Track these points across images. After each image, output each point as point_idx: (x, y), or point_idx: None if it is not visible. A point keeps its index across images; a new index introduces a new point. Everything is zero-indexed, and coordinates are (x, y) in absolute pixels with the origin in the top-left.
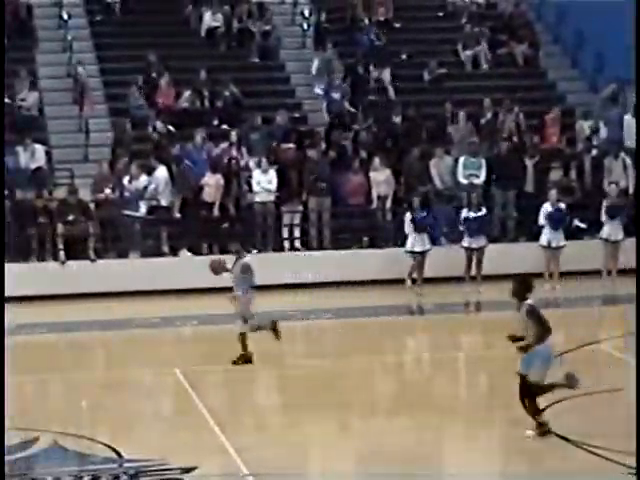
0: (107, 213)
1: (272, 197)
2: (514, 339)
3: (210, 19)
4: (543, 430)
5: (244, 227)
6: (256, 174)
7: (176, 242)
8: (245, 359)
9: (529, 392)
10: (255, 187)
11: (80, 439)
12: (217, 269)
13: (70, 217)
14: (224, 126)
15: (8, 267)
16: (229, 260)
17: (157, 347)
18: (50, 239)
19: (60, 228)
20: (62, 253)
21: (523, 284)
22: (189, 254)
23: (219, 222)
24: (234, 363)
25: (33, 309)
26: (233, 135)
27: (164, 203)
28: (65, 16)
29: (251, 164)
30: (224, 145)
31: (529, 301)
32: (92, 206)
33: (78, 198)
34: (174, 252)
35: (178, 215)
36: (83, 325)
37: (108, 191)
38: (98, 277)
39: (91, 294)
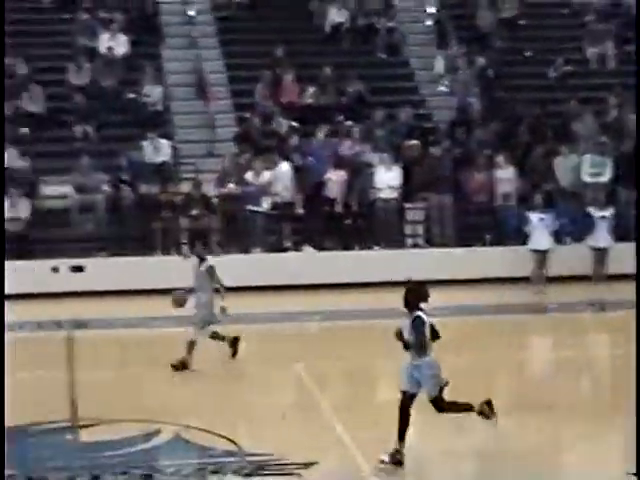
0: (230, 208)
1: (395, 194)
2: (400, 337)
3: (335, 15)
4: (397, 459)
5: (367, 223)
6: (379, 170)
7: (299, 238)
8: (184, 365)
9: (439, 406)
10: (378, 184)
11: (202, 432)
12: (178, 302)
13: (194, 211)
14: (348, 122)
15: (133, 261)
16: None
17: (280, 342)
18: (174, 233)
19: (184, 222)
20: (186, 247)
21: (415, 292)
22: (312, 250)
23: (342, 218)
24: (174, 368)
25: (158, 302)
26: (357, 131)
27: (287, 199)
28: (191, 12)
29: (375, 160)
30: (348, 141)
31: (419, 312)
32: (216, 201)
33: (202, 193)
34: (297, 248)
35: (301, 211)
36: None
37: (232, 186)
38: (220, 272)
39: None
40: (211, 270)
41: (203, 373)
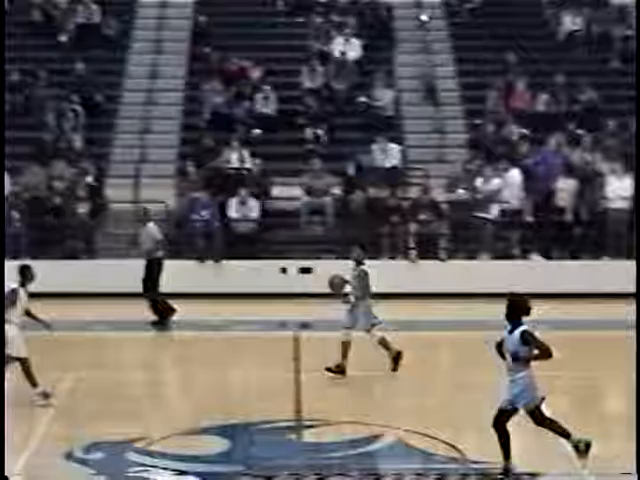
0: (459, 214)
1: (626, 204)
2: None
3: (570, 22)
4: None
5: (596, 233)
6: (611, 180)
7: (527, 245)
8: (341, 369)
9: (538, 422)
10: (609, 193)
11: (424, 437)
12: (336, 287)
13: (422, 216)
14: (580, 131)
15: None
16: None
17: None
18: (402, 237)
19: (412, 227)
20: (413, 252)
21: (519, 304)
22: (540, 258)
23: (571, 227)
24: (328, 370)
25: (383, 305)
26: (588, 140)
27: (516, 206)
28: (424, 17)
29: (606, 170)
30: (579, 150)
31: (524, 326)
32: (444, 206)
33: (431, 198)
34: (525, 255)
35: (530, 219)
36: (430, 324)
37: (461, 192)
38: (448, 277)
39: (440, 294)
40: (363, 275)
41: (427, 379)
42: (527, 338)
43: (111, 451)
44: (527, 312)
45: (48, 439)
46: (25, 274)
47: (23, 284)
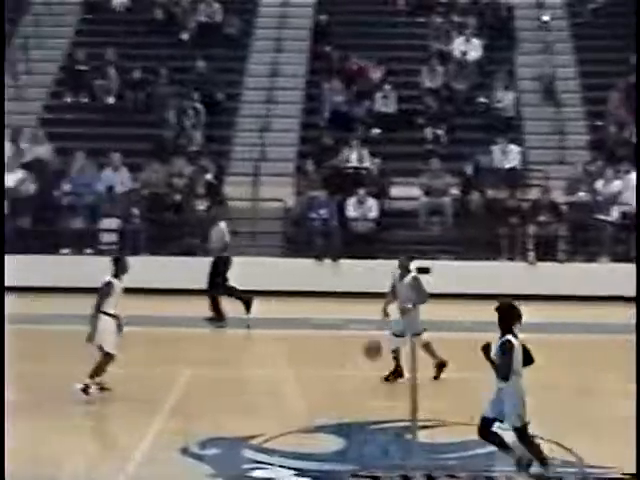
0: (579, 216)
1: None
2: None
3: None
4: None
5: None
6: None
7: None
8: (441, 364)
9: (522, 437)
10: None
11: (541, 441)
12: (372, 354)
13: (541, 218)
14: None
15: (478, 265)
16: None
17: (609, 352)
18: (521, 239)
19: (531, 228)
20: (532, 253)
21: (509, 312)
22: None
23: None
24: (435, 378)
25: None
26: None
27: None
28: (546, 17)
29: None
30: None
31: (510, 336)
32: (564, 208)
33: (550, 199)
34: None
35: None
36: (547, 327)
37: (582, 194)
38: (567, 280)
39: (559, 296)
40: (415, 282)
41: (543, 381)
42: (504, 347)
43: (227, 447)
44: (518, 319)
45: (165, 433)
46: (118, 265)
47: (117, 275)
